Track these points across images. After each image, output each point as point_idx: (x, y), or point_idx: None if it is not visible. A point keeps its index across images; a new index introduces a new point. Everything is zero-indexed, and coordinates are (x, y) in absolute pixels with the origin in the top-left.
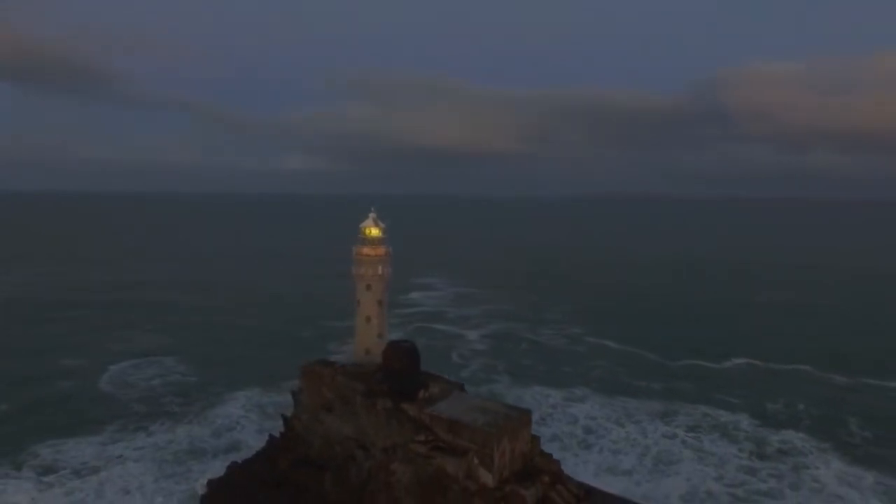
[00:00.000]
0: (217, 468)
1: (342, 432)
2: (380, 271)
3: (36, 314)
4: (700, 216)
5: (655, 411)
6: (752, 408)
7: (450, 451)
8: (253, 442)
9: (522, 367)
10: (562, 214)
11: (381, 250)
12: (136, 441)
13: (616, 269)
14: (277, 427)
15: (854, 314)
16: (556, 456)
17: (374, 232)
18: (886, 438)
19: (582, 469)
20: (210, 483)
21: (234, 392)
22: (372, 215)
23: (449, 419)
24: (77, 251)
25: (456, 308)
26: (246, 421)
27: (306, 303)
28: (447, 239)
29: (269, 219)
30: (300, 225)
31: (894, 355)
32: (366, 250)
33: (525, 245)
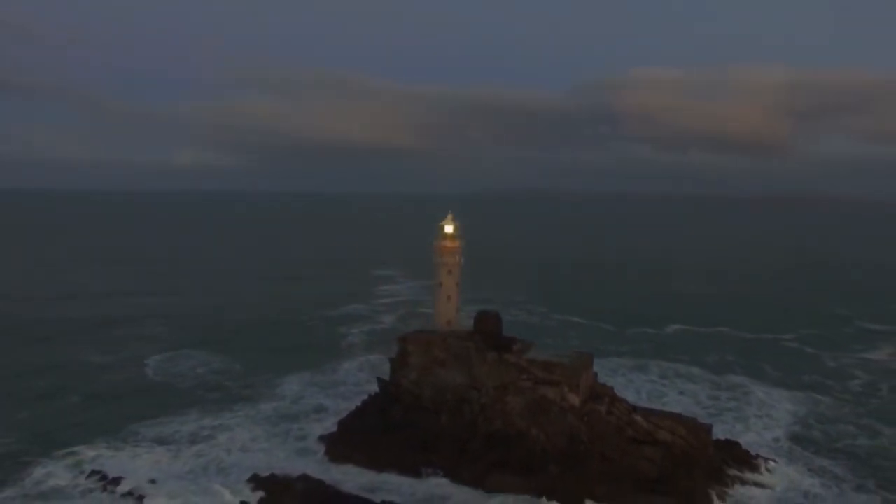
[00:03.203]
0: (318, 427)
1: (455, 381)
2: (458, 260)
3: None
4: (596, 210)
5: (631, 366)
6: (697, 360)
7: (547, 383)
8: (334, 407)
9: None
10: (472, 210)
11: (458, 244)
12: (226, 416)
13: (549, 259)
14: (339, 398)
15: (745, 289)
16: None
17: (451, 229)
18: (787, 371)
19: None
20: (322, 437)
21: (285, 376)
22: (450, 216)
23: (543, 361)
24: None
25: (430, 296)
26: (312, 394)
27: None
28: (375, 234)
29: (170, 217)
30: (206, 224)
31: (779, 318)
32: (447, 244)
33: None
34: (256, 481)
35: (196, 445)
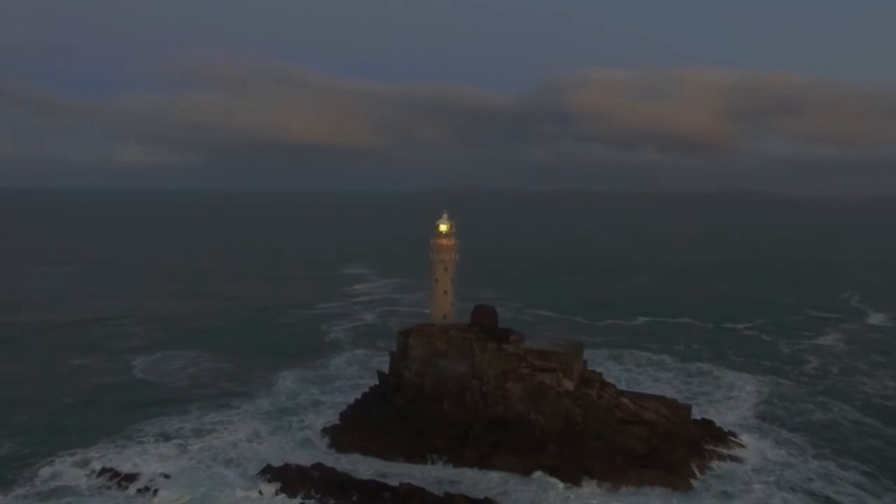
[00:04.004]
0: (318, 420)
1: (457, 371)
2: (453, 257)
3: None
4: (550, 207)
5: (606, 356)
6: (667, 349)
7: (544, 370)
8: (330, 401)
9: None
10: (425, 208)
11: (453, 241)
12: (226, 412)
13: (513, 256)
14: (335, 392)
15: (701, 282)
16: None
17: (446, 228)
18: (749, 357)
19: None
20: (325, 429)
21: (277, 373)
22: (445, 215)
23: (540, 350)
24: None
25: (404, 294)
26: (307, 389)
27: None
28: (337, 233)
29: (114, 216)
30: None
31: (736, 309)
32: (443, 241)
33: (415, 236)
34: (271, 472)
35: (201, 439)
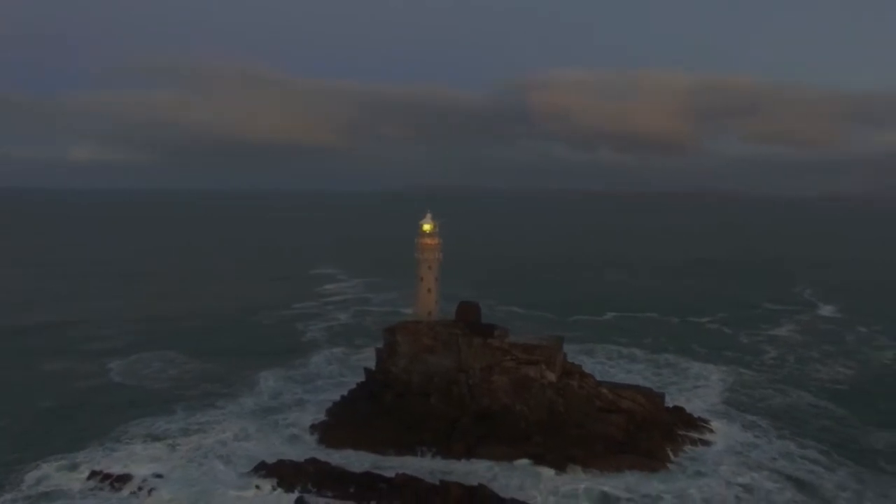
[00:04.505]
0: (305, 418)
1: (444, 365)
2: (437, 256)
3: None
4: (515, 206)
5: (578, 350)
6: (636, 343)
7: (528, 363)
8: (314, 399)
9: None
10: (391, 207)
11: (437, 241)
12: (211, 412)
13: (481, 254)
14: (318, 391)
15: (665, 278)
16: None
17: (430, 227)
18: (712, 349)
19: None
20: (314, 426)
21: (258, 373)
22: (429, 215)
23: (524, 344)
24: None
25: (376, 294)
26: (290, 388)
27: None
28: (301, 233)
29: (68, 216)
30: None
31: (698, 303)
32: (427, 241)
33: (380, 236)
34: (265, 468)
35: (190, 439)
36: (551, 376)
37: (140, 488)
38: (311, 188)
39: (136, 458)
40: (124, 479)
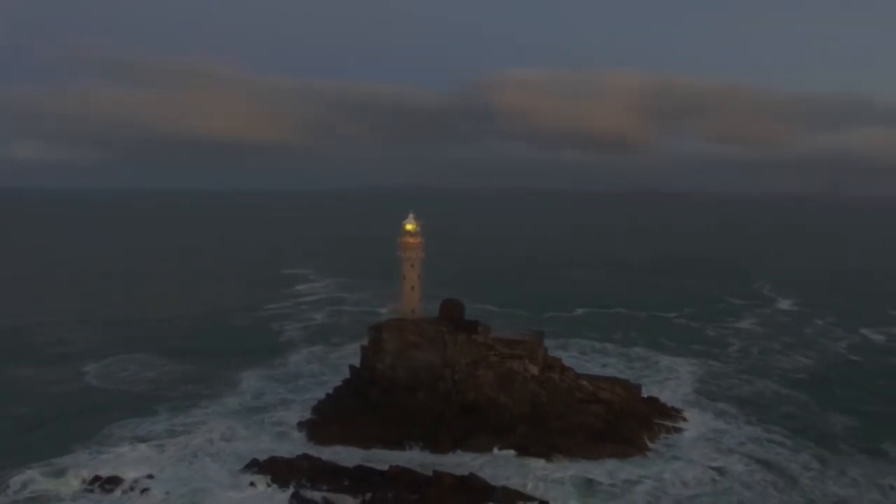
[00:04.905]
0: (290, 416)
1: (430, 361)
2: (419, 254)
3: None
4: (476, 205)
5: (553, 345)
6: (607, 338)
7: (511, 357)
8: (298, 398)
9: None
10: (355, 206)
11: (419, 240)
12: (195, 413)
13: (449, 253)
14: (301, 390)
15: (631, 275)
16: None
17: (412, 227)
18: (681, 342)
19: None
20: (301, 423)
21: (239, 373)
22: (411, 215)
23: (507, 339)
24: None
25: (349, 293)
26: (272, 388)
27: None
28: (270, 233)
29: (16, 216)
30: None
31: (665, 299)
32: (410, 240)
33: (347, 235)
34: (258, 465)
35: (177, 440)
36: (534, 370)
37: (132, 488)
38: (269, 187)
39: (124, 459)
40: (115, 480)
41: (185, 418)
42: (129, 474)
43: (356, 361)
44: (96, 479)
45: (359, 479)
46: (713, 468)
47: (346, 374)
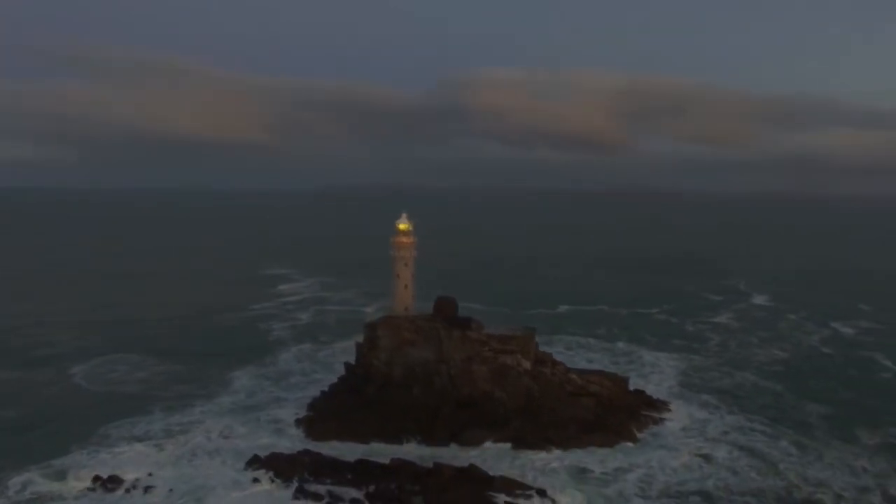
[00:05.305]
0: (285, 413)
1: (425, 357)
2: (413, 253)
3: None
4: (452, 204)
5: (540, 342)
6: (591, 333)
7: (505, 352)
8: (292, 396)
9: None
10: (329, 206)
11: (413, 239)
12: (190, 412)
13: (426, 252)
14: (293, 388)
15: (609, 273)
16: None
17: (405, 227)
18: (662, 337)
19: None
20: (298, 420)
21: (230, 372)
22: (404, 215)
23: (500, 335)
24: None
25: (333, 293)
26: (265, 386)
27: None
28: (245, 233)
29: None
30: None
31: (644, 295)
32: (403, 239)
33: (324, 235)
34: (259, 461)
35: (175, 438)
36: (526, 364)
37: (134, 487)
38: (241, 186)
39: (124, 459)
40: (116, 480)
41: (181, 417)
42: (130, 473)
43: (346, 359)
44: (97, 478)
45: (361, 472)
46: (699, 455)
47: (337, 371)
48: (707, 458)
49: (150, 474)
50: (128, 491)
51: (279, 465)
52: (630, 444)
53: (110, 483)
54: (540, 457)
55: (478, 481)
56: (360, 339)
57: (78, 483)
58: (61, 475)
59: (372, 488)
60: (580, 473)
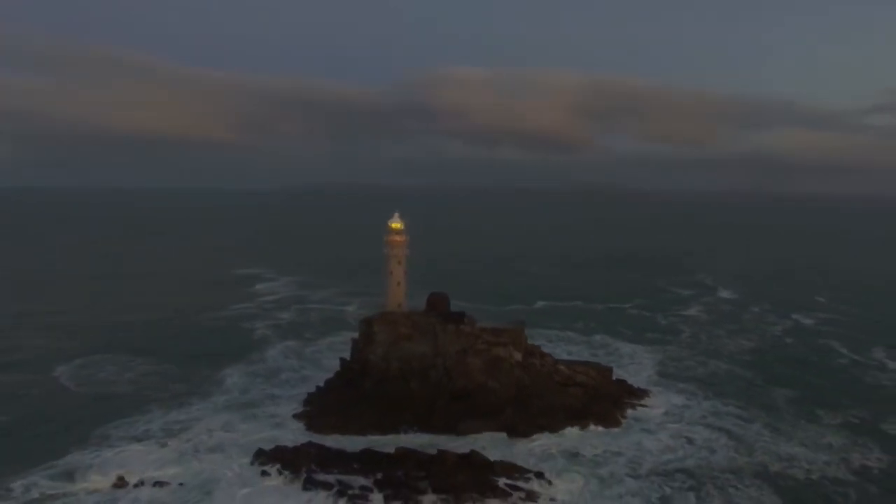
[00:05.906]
0: (282, 409)
1: (420, 351)
2: (405, 251)
3: None
4: (419, 203)
5: None
6: (569, 327)
7: (497, 345)
8: (285, 393)
9: None
10: (296, 205)
11: (405, 238)
12: (187, 410)
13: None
14: (285, 385)
15: (582, 270)
16: None
17: (398, 226)
18: (637, 330)
19: None
20: (297, 415)
21: (221, 371)
22: (396, 214)
23: (492, 328)
24: None
25: (311, 292)
26: (257, 383)
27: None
28: (213, 233)
29: None
30: None
31: (617, 291)
32: (396, 238)
33: (296, 234)
34: (264, 455)
35: (177, 436)
36: (518, 356)
37: (142, 482)
38: (204, 186)
39: (128, 457)
40: (122, 478)
41: (179, 415)
42: (136, 471)
43: (333, 355)
44: (102, 477)
45: (367, 461)
46: (683, 437)
47: (326, 367)
48: (689, 439)
49: (157, 471)
50: (136, 487)
51: (285, 458)
52: (616, 430)
53: (117, 482)
54: (534, 443)
55: (479, 466)
56: (356, 334)
57: (83, 483)
58: (66, 476)
59: (380, 476)
60: (573, 457)
